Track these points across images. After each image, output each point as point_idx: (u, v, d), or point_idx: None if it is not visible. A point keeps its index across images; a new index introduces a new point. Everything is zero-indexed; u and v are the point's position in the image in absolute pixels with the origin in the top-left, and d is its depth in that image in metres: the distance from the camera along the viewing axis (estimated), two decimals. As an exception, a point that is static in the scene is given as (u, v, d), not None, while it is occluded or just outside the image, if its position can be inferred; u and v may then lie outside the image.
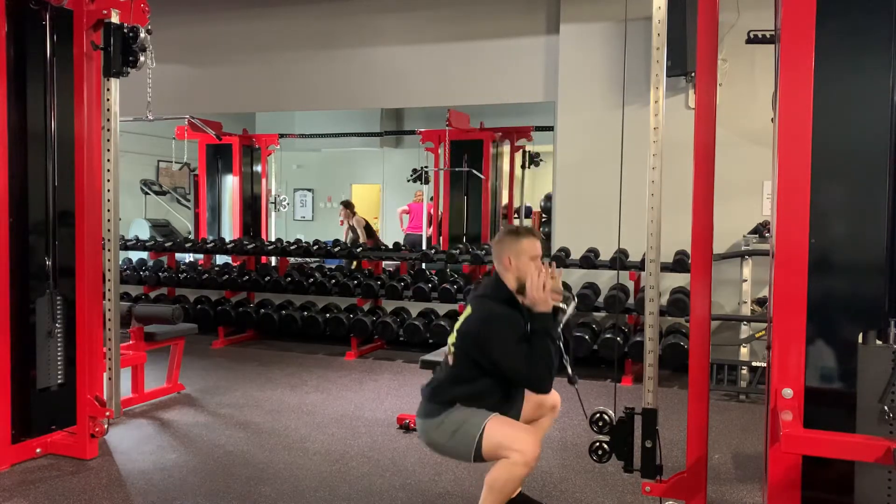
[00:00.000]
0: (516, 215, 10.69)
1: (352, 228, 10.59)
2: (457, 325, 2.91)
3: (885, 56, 2.31)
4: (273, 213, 10.93)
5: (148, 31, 3.86)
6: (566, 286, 2.86)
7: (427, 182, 9.77)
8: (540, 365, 2.68)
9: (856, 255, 2.39)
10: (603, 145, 6.21)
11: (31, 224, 3.84)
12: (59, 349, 3.92)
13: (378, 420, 4.70)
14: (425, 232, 10.35)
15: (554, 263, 2.79)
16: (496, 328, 2.75)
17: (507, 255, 2.86)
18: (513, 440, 2.68)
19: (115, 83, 3.85)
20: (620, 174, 3.22)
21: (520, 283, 2.84)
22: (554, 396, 3.04)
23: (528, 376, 2.73)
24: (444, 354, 3.02)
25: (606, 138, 6.07)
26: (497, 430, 2.72)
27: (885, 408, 2.25)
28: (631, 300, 6.23)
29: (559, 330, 2.80)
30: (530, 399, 3.01)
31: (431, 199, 10.81)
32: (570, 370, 2.84)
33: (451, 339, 2.92)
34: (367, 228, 10.72)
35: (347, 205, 10.86)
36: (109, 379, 3.93)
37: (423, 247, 9.09)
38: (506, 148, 10.12)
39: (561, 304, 2.82)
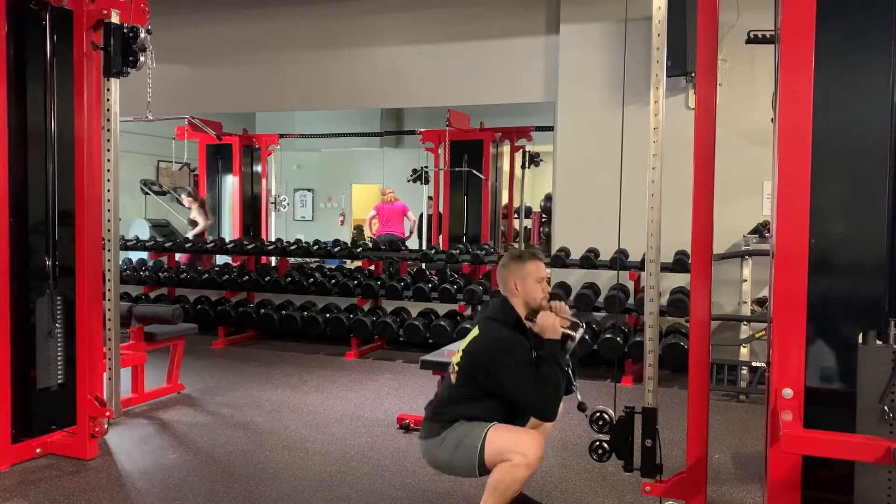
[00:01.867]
0: (516, 215, 10.68)
1: (192, 221, 9.77)
2: (462, 345, 2.90)
3: (885, 56, 2.31)
4: (273, 214, 10.91)
5: (148, 31, 3.87)
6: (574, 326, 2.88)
7: (427, 182, 9.75)
8: (547, 391, 2.69)
9: (855, 255, 2.40)
10: (603, 145, 6.21)
11: (31, 224, 3.84)
12: (59, 349, 3.92)
13: (378, 420, 4.70)
14: (415, 232, 10.13)
15: (559, 299, 2.85)
16: (504, 352, 2.75)
17: (513, 280, 2.86)
18: (515, 443, 2.67)
19: (115, 83, 3.86)
20: (620, 174, 3.22)
21: (528, 308, 2.85)
22: None
23: (534, 402, 2.72)
24: (447, 373, 3.00)
25: (606, 138, 6.06)
26: (499, 436, 2.71)
27: (885, 408, 2.25)
28: (631, 300, 6.22)
29: (567, 357, 2.80)
30: None
31: (430, 198, 10.70)
32: (579, 396, 2.84)
33: (456, 358, 2.89)
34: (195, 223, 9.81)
35: (191, 194, 9.91)
36: (109, 379, 3.93)
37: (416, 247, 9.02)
38: (506, 148, 10.11)
39: (569, 331, 2.81)
